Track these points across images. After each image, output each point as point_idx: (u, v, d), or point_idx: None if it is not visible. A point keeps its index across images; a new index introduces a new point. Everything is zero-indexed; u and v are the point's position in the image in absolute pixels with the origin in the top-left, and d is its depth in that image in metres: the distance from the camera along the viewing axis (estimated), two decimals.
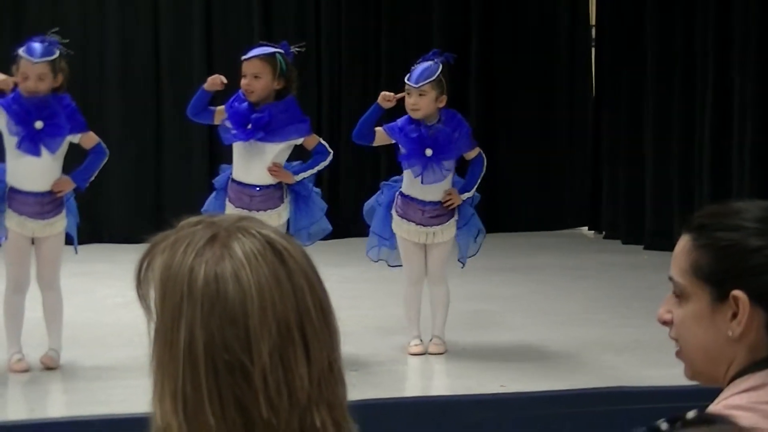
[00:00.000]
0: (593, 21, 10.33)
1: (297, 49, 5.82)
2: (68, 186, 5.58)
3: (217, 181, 5.90)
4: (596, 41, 10.24)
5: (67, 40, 5.62)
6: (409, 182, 5.87)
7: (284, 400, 1.31)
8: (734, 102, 8.28)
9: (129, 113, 9.61)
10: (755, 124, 8.08)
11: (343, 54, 9.97)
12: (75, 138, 5.59)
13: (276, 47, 5.76)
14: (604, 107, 9.96)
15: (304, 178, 5.79)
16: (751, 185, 8.01)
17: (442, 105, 5.81)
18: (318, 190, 6.03)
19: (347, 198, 9.53)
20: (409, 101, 5.78)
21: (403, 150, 5.83)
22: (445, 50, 5.94)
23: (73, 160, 5.78)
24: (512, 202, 10.21)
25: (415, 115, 5.78)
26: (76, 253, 5.83)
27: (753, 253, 1.71)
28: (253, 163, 5.69)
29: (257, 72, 5.63)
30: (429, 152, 5.76)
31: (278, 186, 5.75)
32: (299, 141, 5.78)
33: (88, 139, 5.66)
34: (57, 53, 5.49)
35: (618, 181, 9.61)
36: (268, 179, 5.71)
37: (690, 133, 8.75)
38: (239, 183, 5.74)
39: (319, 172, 5.90)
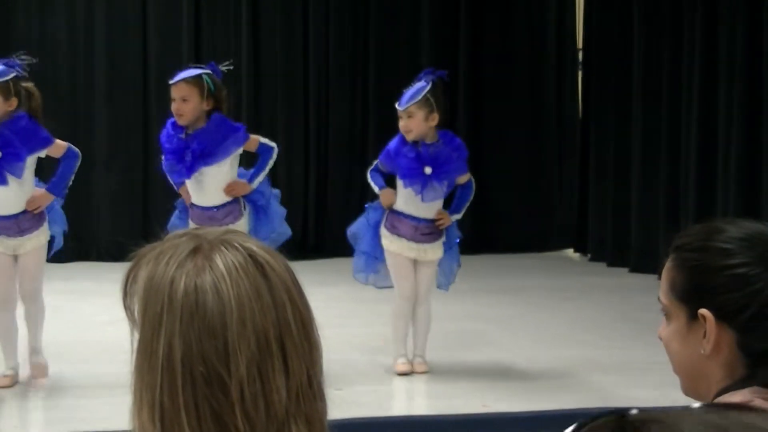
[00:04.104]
0: (580, 44, 10.36)
1: (225, 67, 5.85)
2: (45, 201, 5.57)
3: (179, 202, 5.96)
4: (583, 63, 10.27)
5: (34, 60, 5.55)
6: (405, 200, 5.87)
7: (261, 413, 1.31)
8: (719, 123, 8.30)
9: (116, 130, 9.59)
10: (740, 145, 8.10)
11: (331, 71, 9.98)
12: (41, 153, 5.58)
13: (203, 68, 5.81)
14: (591, 129, 9.98)
15: (260, 184, 5.82)
16: (735, 205, 8.03)
17: (434, 123, 5.78)
18: (277, 191, 6.07)
19: (334, 217, 9.53)
20: (401, 124, 5.81)
21: (401, 171, 5.84)
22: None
23: (49, 166, 5.76)
24: (499, 224, 10.21)
25: (409, 137, 5.80)
26: (49, 255, 5.75)
27: (716, 272, 1.75)
28: (207, 187, 5.75)
29: (185, 95, 5.68)
30: (428, 170, 5.78)
31: (236, 200, 5.79)
32: (240, 150, 5.81)
33: (57, 149, 5.63)
34: (9, 76, 5.42)
35: (604, 203, 9.62)
36: (224, 198, 5.76)
37: (676, 155, 8.77)
38: (198, 207, 5.79)
39: (270, 171, 5.92)
